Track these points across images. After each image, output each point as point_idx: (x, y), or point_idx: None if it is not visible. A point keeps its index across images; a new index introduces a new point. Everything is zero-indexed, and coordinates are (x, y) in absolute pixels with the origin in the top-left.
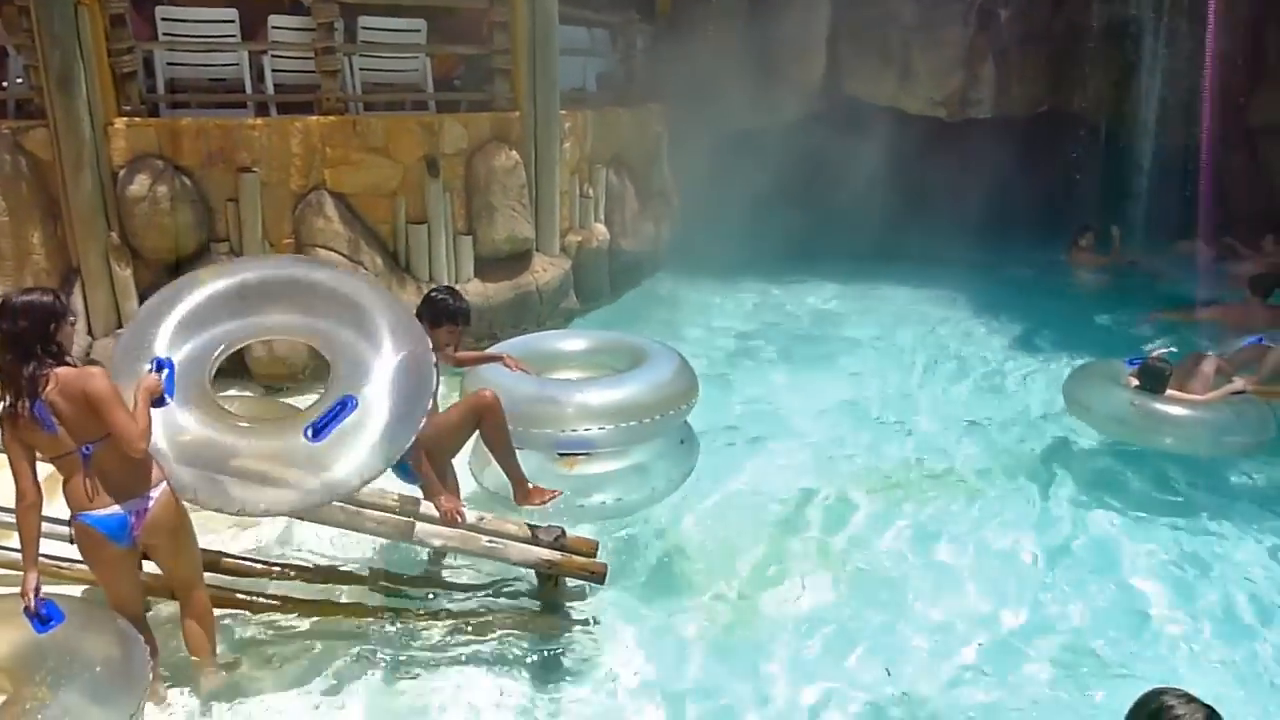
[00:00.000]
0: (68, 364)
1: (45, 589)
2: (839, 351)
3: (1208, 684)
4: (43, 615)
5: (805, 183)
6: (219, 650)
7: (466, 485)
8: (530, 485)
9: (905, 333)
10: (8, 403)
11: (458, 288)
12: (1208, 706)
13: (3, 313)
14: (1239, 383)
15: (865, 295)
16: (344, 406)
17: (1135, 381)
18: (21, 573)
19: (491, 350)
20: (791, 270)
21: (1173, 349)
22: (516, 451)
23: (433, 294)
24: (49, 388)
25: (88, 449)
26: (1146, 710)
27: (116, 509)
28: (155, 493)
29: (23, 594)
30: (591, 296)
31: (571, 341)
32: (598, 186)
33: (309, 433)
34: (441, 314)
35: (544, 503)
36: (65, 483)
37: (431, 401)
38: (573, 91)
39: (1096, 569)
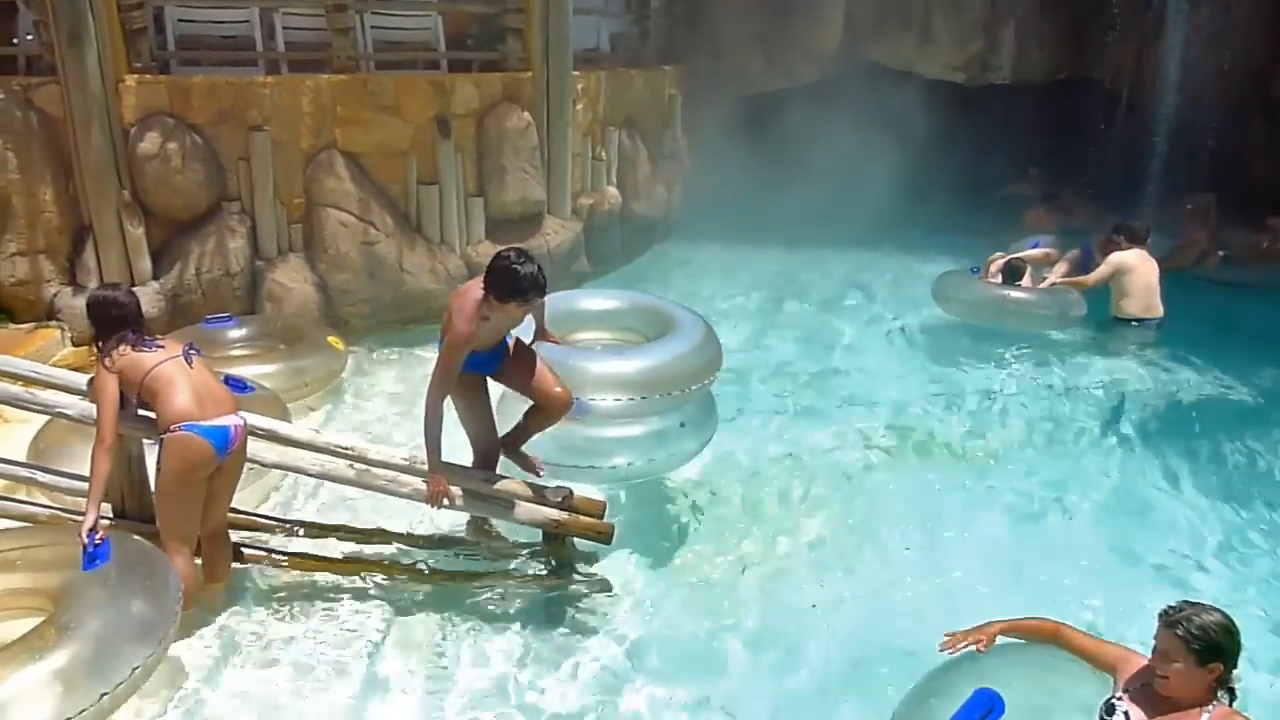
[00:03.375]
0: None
1: None
2: (848, 318)
3: None
4: (90, 553)
5: (820, 147)
6: (238, 605)
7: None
8: (524, 454)
9: (909, 299)
10: (103, 350)
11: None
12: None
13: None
14: (1054, 278)
15: (873, 264)
16: None
17: (996, 278)
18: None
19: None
20: (804, 235)
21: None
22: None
23: (500, 262)
24: None
25: (191, 350)
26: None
27: (223, 420)
28: (243, 416)
29: (83, 530)
30: (603, 260)
31: (598, 301)
32: (610, 149)
33: None
34: (509, 285)
35: (527, 469)
36: (159, 399)
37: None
38: (586, 52)
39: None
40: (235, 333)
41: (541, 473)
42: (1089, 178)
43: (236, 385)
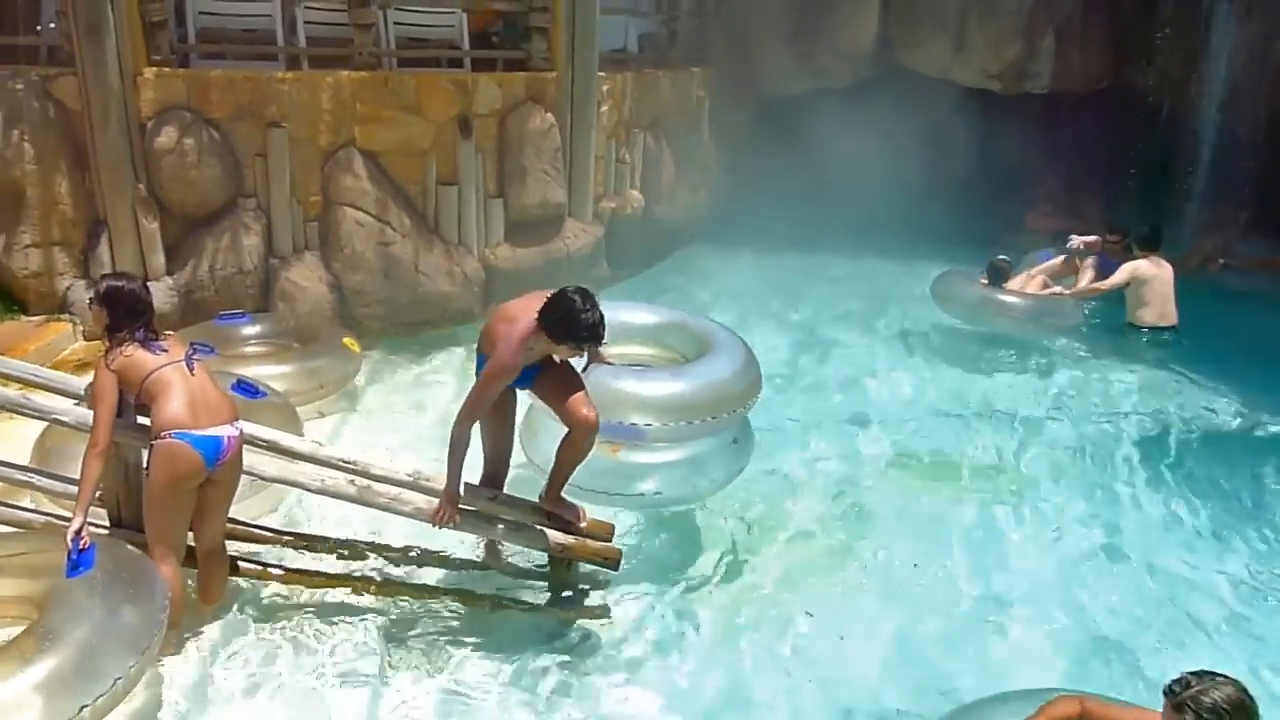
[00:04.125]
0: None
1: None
2: (880, 334)
3: None
4: (73, 560)
5: (849, 153)
6: (230, 618)
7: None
8: (565, 500)
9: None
10: (113, 343)
11: (485, 251)
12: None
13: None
14: (1057, 288)
15: (899, 275)
16: None
17: (985, 280)
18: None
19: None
20: (832, 243)
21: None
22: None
23: (564, 301)
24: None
25: (195, 353)
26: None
27: (216, 430)
28: (239, 426)
29: (68, 534)
30: (623, 265)
31: (636, 314)
32: (634, 151)
33: None
34: (566, 330)
35: (572, 518)
36: (155, 404)
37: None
38: (613, 53)
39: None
40: (249, 330)
41: (583, 524)
42: (1122, 193)
43: (247, 390)
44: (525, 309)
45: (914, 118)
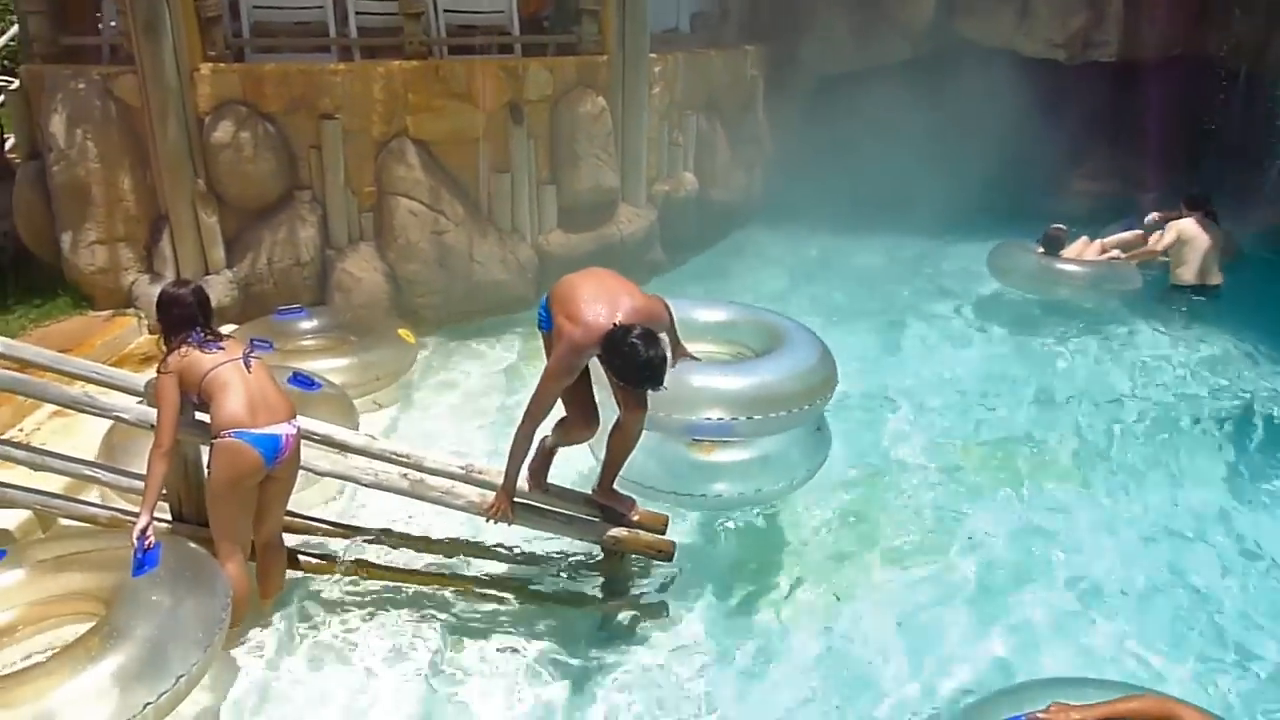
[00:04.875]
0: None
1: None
2: (941, 315)
3: None
4: (139, 559)
5: (909, 129)
6: (291, 611)
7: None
8: (618, 492)
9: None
10: (170, 346)
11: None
12: None
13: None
14: (1114, 251)
15: (962, 257)
16: None
17: (1040, 249)
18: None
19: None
20: (892, 223)
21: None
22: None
23: (627, 342)
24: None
25: (253, 350)
26: None
27: (275, 429)
28: (298, 423)
29: (134, 533)
30: (678, 248)
31: (701, 311)
32: (687, 133)
33: None
34: (625, 372)
35: (625, 510)
36: (214, 402)
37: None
38: (664, 33)
39: None
40: (306, 324)
41: (636, 517)
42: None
43: (304, 382)
44: (592, 310)
45: (975, 91)
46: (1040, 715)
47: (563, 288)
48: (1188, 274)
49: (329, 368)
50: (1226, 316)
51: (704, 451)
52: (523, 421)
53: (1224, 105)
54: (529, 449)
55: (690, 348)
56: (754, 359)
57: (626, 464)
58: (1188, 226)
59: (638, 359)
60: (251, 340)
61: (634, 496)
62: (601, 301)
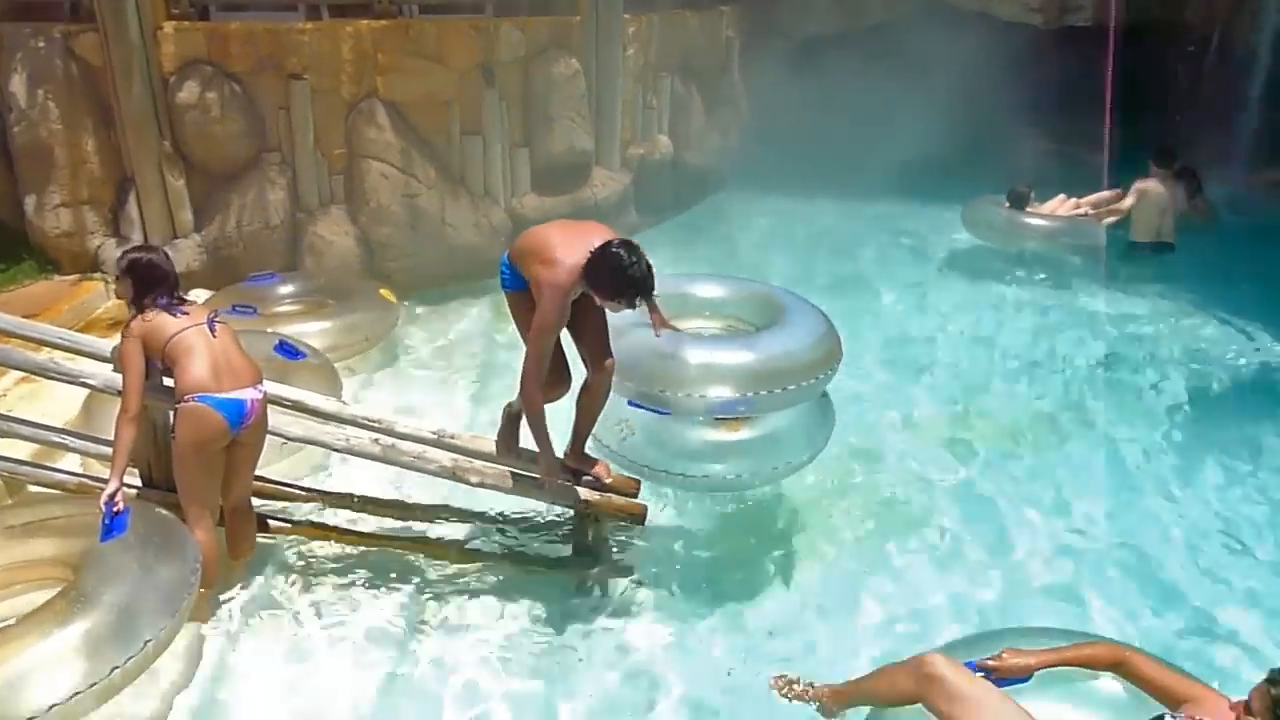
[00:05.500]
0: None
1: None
2: (912, 277)
3: None
4: (107, 524)
5: (886, 92)
6: (261, 578)
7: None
8: (589, 455)
9: (981, 265)
10: (136, 310)
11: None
12: None
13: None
14: (1085, 208)
15: (937, 220)
16: None
17: (1007, 203)
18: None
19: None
20: (867, 186)
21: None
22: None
23: (610, 255)
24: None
25: (215, 319)
26: None
27: (239, 393)
28: (264, 388)
29: (102, 498)
30: (653, 211)
31: (698, 286)
32: (662, 96)
33: None
34: (615, 288)
35: (597, 474)
36: (178, 367)
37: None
38: None
39: None
40: (285, 288)
41: (608, 479)
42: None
43: (288, 351)
44: (565, 250)
45: (951, 55)
46: (992, 662)
47: (530, 239)
48: (1143, 231)
49: (313, 331)
50: (1170, 275)
51: (731, 429)
52: (524, 385)
53: (1195, 69)
54: (543, 409)
55: (687, 324)
56: (757, 333)
57: (636, 446)
58: (1147, 185)
59: (623, 266)
60: (234, 306)
61: (606, 460)
62: (574, 242)
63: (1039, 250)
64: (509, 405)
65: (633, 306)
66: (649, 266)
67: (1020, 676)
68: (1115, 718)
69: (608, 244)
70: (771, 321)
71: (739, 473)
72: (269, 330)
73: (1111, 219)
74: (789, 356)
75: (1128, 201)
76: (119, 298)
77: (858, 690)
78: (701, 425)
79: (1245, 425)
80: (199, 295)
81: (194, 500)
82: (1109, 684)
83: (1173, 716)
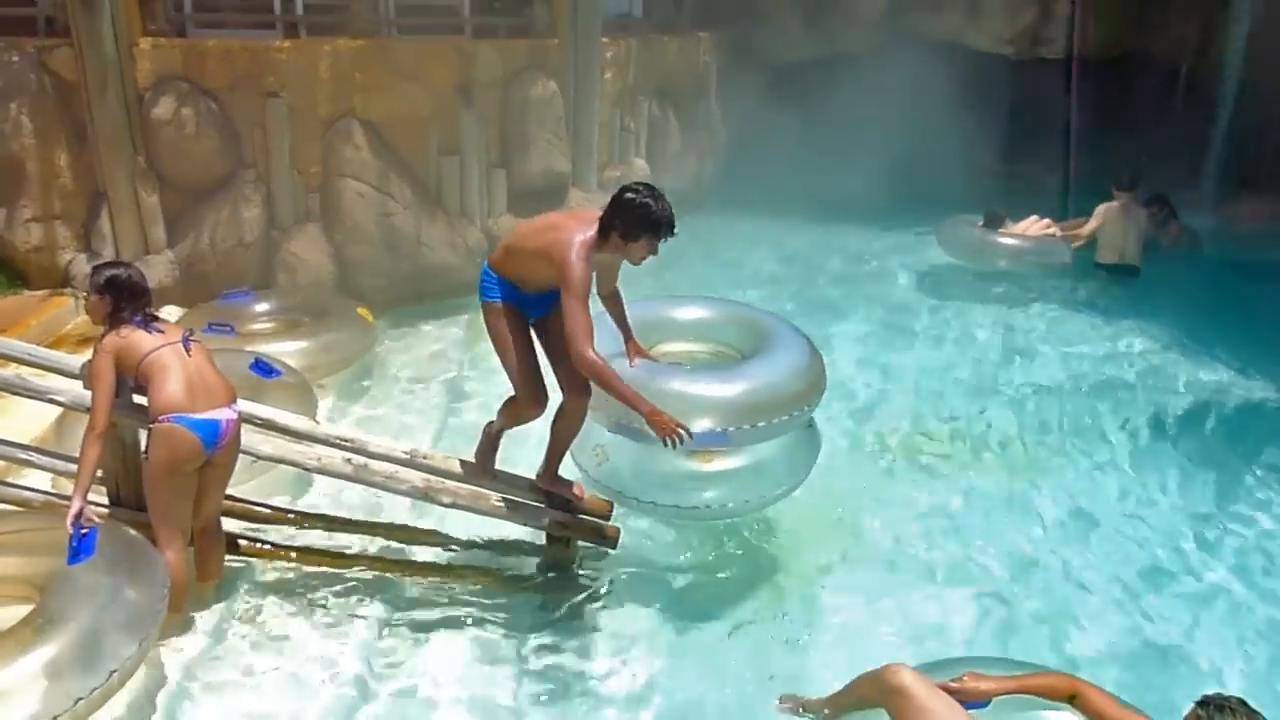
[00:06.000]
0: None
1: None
2: (891, 307)
3: None
4: (74, 546)
5: (861, 120)
6: (231, 599)
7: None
8: (562, 477)
9: (957, 290)
10: (110, 326)
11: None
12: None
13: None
14: (1051, 231)
15: (907, 248)
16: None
17: (982, 223)
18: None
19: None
20: (840, 213)
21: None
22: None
23: (629, 197)
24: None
25: (190, 338)
26: None
27: (214, 414)
28: (237, 409)
29: (68, 518)
30: None
31: (684, 309)
32: (639, 119)
33: None
34: (642, 224)
35: (570, 496)
36: (152, 386)
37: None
38: (617, 18)
39: None
40: (259, 307)
41: (583, 500)
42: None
43: (263, 369)
44: (569, 223)
45: (925, 84)
46: (954, 684)
47: (522, 232)
48: (1107, 254)
49: (290, 350)
50: (1130, 297)
51: (704, 460)
52: (583, 350)
53: (1163, 108)
54: (612, 367)
55: (672, 348)
56: (742, 361)
57: (620, 476)
58: (1110, 208)
59: (649, 203)
60: (211, 324)
61: (578, 481)
62: (572, 219)
63: (1009, 268)
64: (489, 425)
65: (654, 252)
66: (666, 199)
67: (979, 701)
68: None
69: (623, 189)
70: (756, 349)
71: (713, 503)
72: (243, 350)
73: (1077, 243)
74: (772, 389)
75: (1089, 225)
76: (90, 314)
77: (835, 704)
78: (678, 455)
79: (1178, 447)
80: (171, 312)
81: (165, 522)
82: (1064, 716)
83: None
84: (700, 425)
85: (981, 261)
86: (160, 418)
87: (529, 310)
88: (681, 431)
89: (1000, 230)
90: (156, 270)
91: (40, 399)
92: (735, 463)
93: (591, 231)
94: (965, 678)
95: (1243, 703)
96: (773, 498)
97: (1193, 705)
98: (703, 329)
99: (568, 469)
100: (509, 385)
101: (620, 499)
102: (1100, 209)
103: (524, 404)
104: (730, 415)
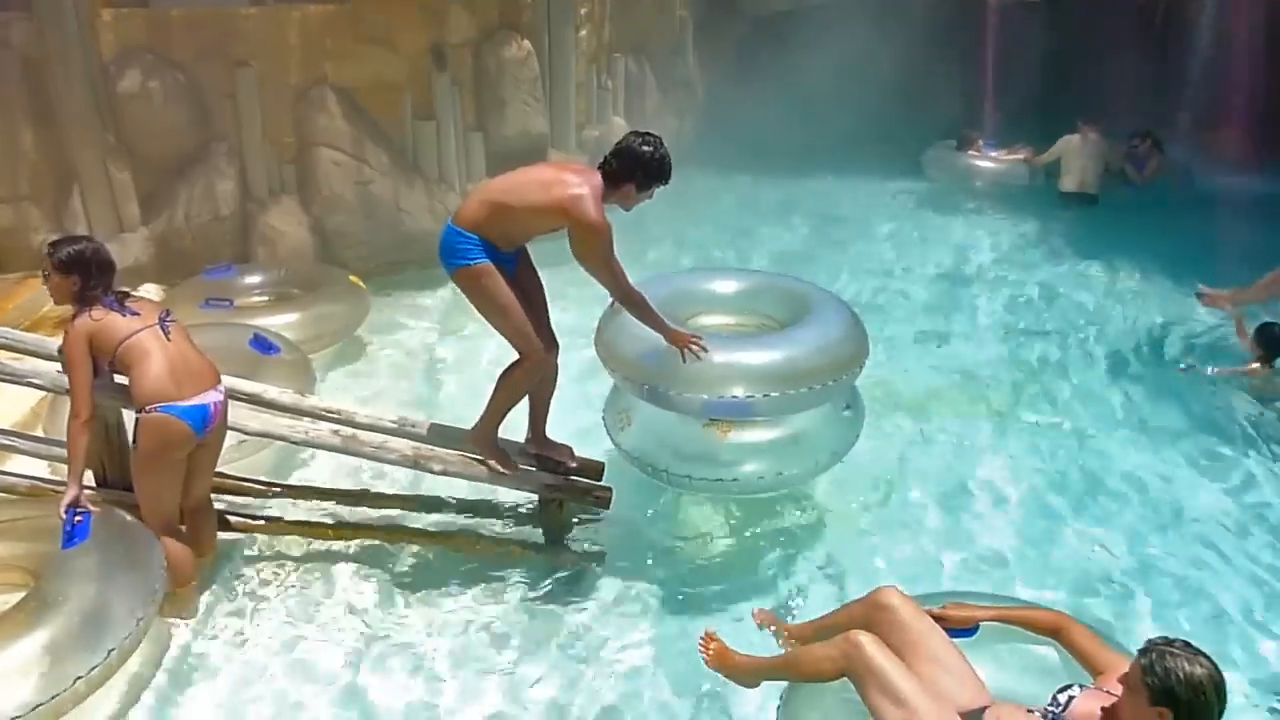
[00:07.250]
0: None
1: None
2: (872, 253)
3: None
4: (68, 531)
5: (840, 69)
6: (225, 575)
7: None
8: (552, 440)
9: (938, 234)
10: (84, 307)
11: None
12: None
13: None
14: (1020, 156)
15: (892, 194)
16: None
17: (956, 145)
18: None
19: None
20: (822, 163)
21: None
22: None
23: (646, 149)
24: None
25: (167, 319)
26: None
27: (202, 398)
28: (222, 389)
29: (62, 506)
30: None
31: (721, 283)
32: (616, 77)
33: None
34: (660, 175)
35: (562, 458)
36: (135, 372)
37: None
38: None
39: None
40: (246, 280)
41: (573, 463)
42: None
43: (263, 345)
44: (571, 178)
45: (904, 29)
46: (938, 611)
47: (516, 192)
48: (1068, 182)
49: (288, 323)
50: (1083, 222)
51: (720, 433)
52: (622, 289)
53: (1139, 47)
54: (648, 303)
55: (710, 320)
56: (779, 330)
57: (645, 447)
58: (1073, 140)
59: (649, 149)
60: (209, 299)
61: (570, 444)
62: (563, 170)
63: (980, 186)
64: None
65: (650, 195)
66: (663, 148)
67: (965, 628)
68: (1044, 681)
69: (623, 140)
70: (794, 319)
71: (740, 476)
72: (240, 324)
73: (1037, 165)
74: (792, 361)
75: (1046, 155)
76: (55, 295)
77: (819, 627)
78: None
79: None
80: (150, 290)
81: (155, 510)
82: (1046, 649)
83: (1081, 687)
84: (718, 393)
85: (957, 181)
86: (148, 408)
87: (510, 265)
88: (696, 345)
89: (970, 152)
90: (132, 248)
91: (20, 383)
92: (757, 436)
93: (595, 181)
94: (949, 606)
95: (1187, 644)
96: (795, 477)
97: (1136, 654)
98: (741, 300)
99: (587, 435)
100: (492, 349)
101: (652, 472)
102: (1061, 140)
103: (539, 354)
104: (753, 384)
